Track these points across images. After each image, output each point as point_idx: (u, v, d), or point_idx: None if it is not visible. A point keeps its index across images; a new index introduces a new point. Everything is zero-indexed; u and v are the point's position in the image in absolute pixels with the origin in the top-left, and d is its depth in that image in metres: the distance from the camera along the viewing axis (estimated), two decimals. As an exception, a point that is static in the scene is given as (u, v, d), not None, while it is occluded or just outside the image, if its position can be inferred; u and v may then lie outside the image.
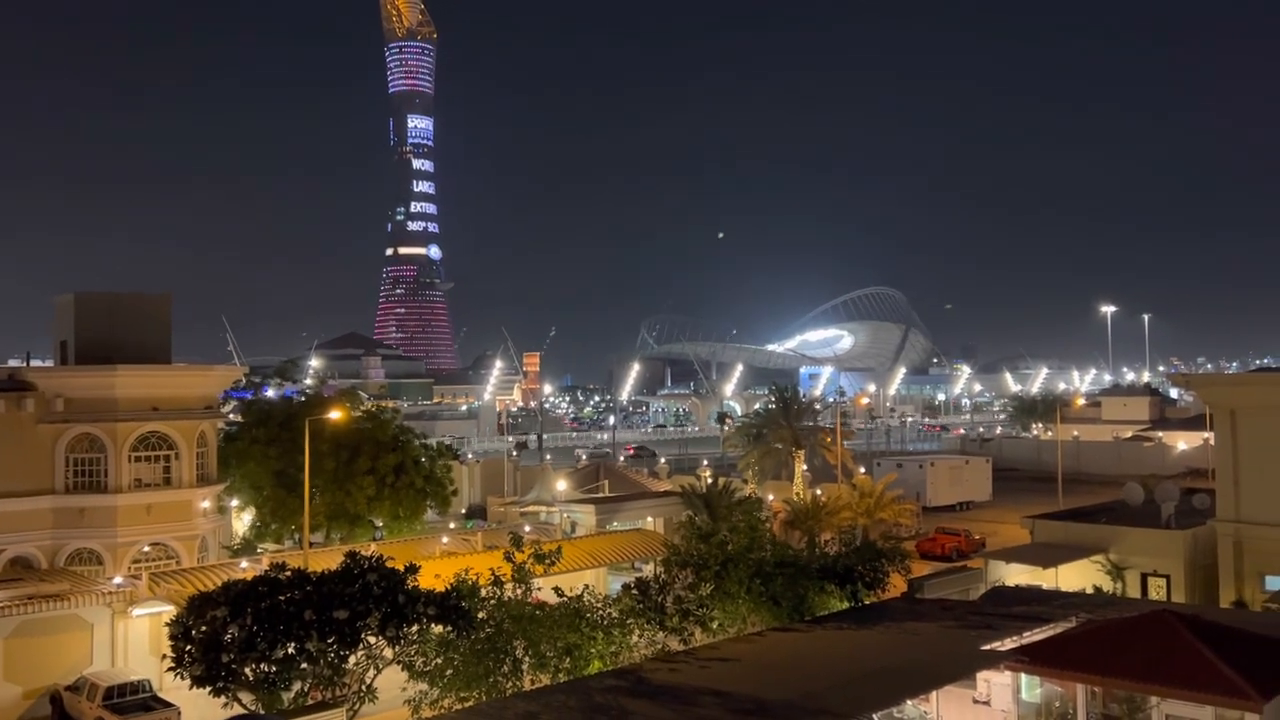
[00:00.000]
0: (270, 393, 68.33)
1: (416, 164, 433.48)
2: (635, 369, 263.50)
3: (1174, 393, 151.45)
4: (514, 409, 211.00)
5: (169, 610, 32.76)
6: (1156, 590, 43.44)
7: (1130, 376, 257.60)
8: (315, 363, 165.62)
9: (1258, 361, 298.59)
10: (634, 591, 31.37)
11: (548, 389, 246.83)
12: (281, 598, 26.13)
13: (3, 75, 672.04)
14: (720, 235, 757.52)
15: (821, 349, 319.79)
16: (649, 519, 63.80)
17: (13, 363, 62.63)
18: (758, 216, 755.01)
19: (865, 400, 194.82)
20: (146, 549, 44.62)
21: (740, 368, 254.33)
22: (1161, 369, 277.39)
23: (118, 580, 37.10)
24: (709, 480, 65.37)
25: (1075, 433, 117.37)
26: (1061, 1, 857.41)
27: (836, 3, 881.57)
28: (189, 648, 26.10)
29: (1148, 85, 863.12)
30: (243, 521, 58.48)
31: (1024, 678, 28.52)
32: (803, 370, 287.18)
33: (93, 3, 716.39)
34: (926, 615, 32.59)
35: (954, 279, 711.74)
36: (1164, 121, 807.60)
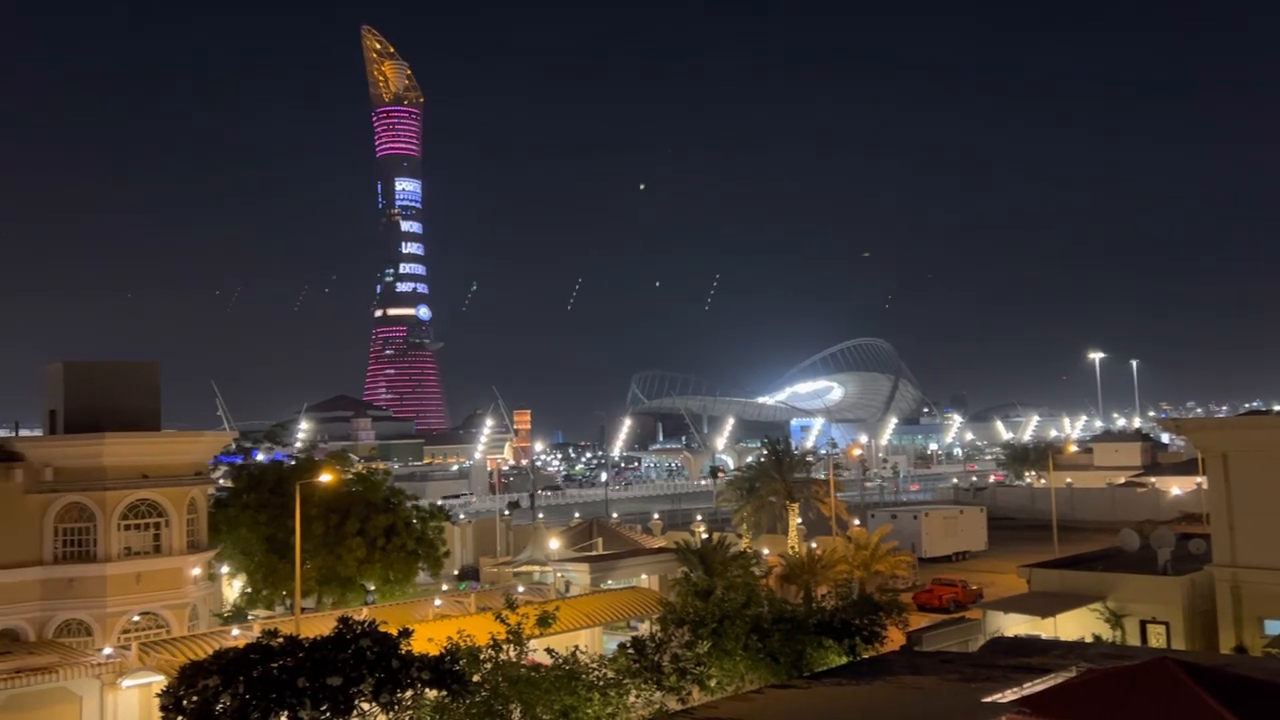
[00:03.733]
0: (260, 457, 68.12)
1: (405, 226, 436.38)
2: (626, 424, 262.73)
3: (1165, 438, 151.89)
4: (505, 467, 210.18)
5: (159, 680, 32.32)
6: (1156, 637, 43.17)
7: (1121, 422, 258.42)
8: (305, 426, 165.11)
9: (1248, 405, 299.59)
10: (630, 651, 31.07)
11: (539, 446, 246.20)
12: (274, 665, 25.79)
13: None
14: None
15: (812, 400, 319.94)
16: (644, 576, 63.32)
17: (1, 432, 62.37)
18: (743, 267, 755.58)
19: (857, 451, 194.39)
20: (136, 618, 44.05)
21: (731, 421, 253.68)
22: (1152, 414, 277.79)
23: (107, 651, 36.61)
24: (703, 536, 64.97)
25: (1068, 480, 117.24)
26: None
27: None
28: (180, 718, 25.73)
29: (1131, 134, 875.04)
30: (233, 588, 57.88)
31: (1026, 730, 28.21)
32: (794, 422, 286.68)
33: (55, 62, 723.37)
34: (925, 668, 32.33)
35: (940, 325, 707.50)
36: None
